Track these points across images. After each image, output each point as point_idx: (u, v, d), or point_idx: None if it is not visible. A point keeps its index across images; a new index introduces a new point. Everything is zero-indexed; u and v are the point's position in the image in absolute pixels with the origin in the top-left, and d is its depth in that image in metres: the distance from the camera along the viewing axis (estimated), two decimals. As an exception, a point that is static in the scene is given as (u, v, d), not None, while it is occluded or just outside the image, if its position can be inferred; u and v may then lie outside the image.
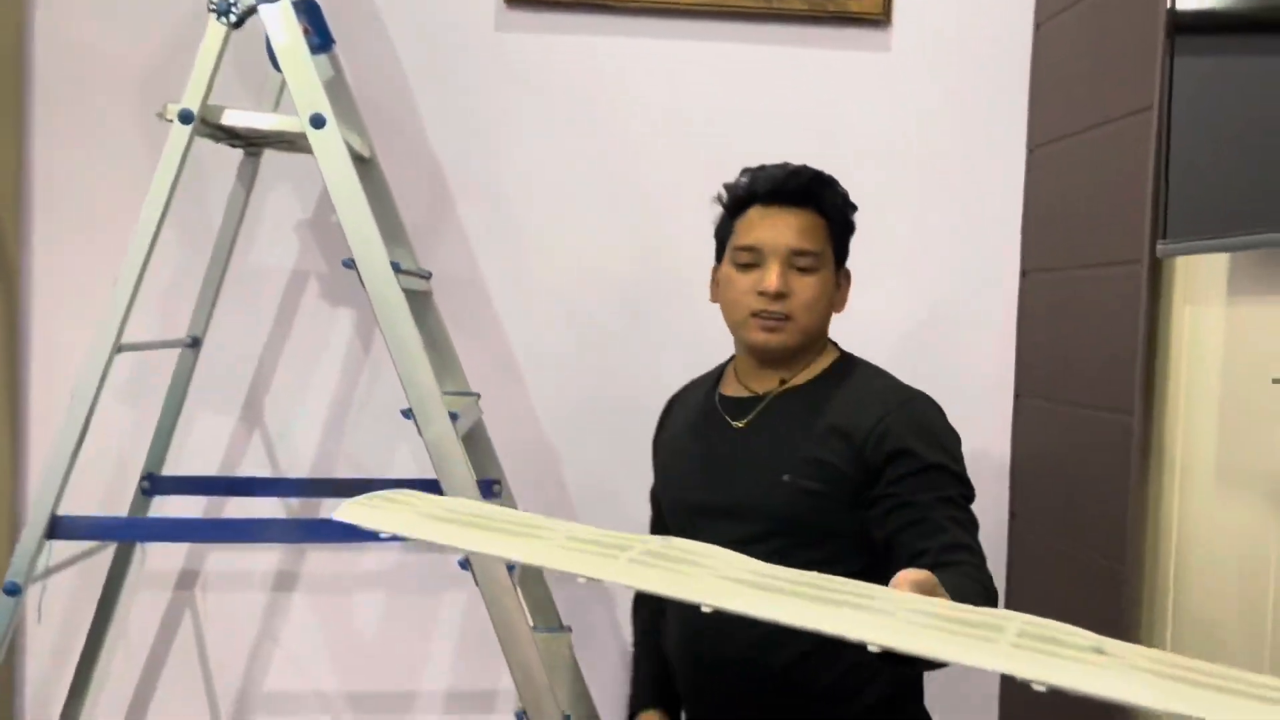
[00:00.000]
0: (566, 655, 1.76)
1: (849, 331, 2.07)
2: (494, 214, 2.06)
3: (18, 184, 2.00)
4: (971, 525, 1.25)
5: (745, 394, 1.42)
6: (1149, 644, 1.62)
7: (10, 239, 1.99)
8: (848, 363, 1.43)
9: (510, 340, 2.07)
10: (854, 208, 1.44)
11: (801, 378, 1.41)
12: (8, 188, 1.98)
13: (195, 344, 1.90)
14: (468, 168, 2.05)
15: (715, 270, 1.47)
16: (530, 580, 1.91)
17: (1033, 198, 2.02)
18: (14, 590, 1.53)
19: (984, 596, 1.14)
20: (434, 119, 2.04)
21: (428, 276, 1.94)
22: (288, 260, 2.05)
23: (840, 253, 1.44)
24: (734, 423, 1.41)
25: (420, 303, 1.85)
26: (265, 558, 2.07)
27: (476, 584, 1.57)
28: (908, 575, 0.92)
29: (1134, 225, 1.60)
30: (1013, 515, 2.04)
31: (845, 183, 1.45)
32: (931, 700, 1.48)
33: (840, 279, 1.45)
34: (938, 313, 2.06)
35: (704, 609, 0.74)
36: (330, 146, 1.56)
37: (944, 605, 0.78)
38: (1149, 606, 1.63)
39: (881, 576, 1.27)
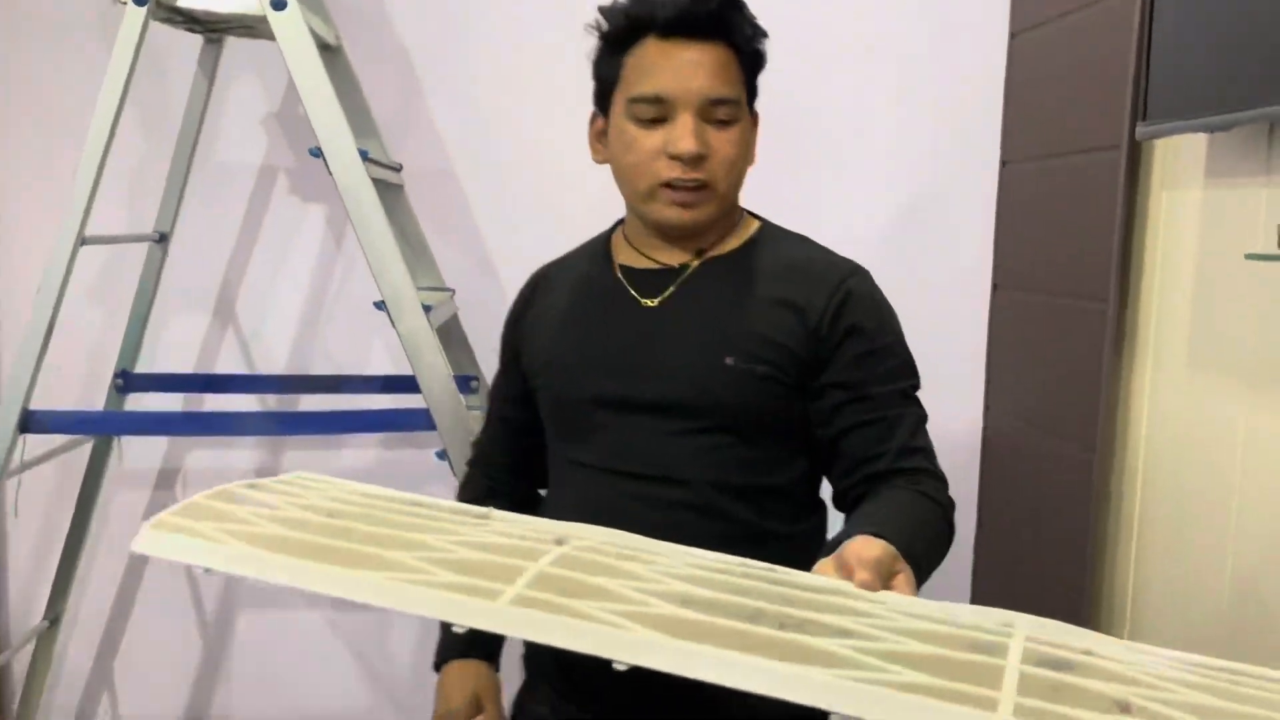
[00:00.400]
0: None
1: (825, 221, 2.06)
2: (466, 107, 2.01)
3: (-27, 76, 1.94)
4: (923, 421, 1.13)
5: (654, 266, 1.17)
6: (1116, 528, 1.65)
7: (-31, 133, 1.95)
8: (770, 229, 1.21)
9: (485, 237, 2.04)
10: (764, 34, 1.18)
11: (723, 247, 1.17)
12: (-37, 80, 1.92)
13: (163, 239, 1.88)
14: (438, 58, 2.00)
15: (597, 122, 1.19)
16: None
17: (1014, 86, 1.99)
18: (-11, 484, 1.54)
19: (942, 518, 1.05)
20: (403, 7, 1.98)
21: (398, 169, 1.91)
22: (255, 154, 2.01)
23: (751, 93, 1.17)
24: (644, 300, 1.15)
25: (391, 195, 1.82)
26: (244, 456, 2.08)
27: (455, 476, 1.57)
28: (859, 553, 0.80)
29: (1114, 110, 1.57)
30: (987, 408, 2.06)
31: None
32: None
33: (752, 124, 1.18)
34: (916, 204, 2.04)
35: (616, 666, 0.57)
36: (292, 30, 1.51)
37: (921, 613, 0.66)
38: (1118, 494, 1.65)
39: (817, 480, 1.18)
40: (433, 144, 2.01)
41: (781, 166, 2.01)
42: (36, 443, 1.78)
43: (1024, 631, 0.63)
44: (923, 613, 0.67)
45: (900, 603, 0.71)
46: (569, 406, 1.17)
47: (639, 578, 0.66)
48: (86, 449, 1.95)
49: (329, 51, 1.76)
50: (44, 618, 1.96)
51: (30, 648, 1.96)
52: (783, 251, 1.17)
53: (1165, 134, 1.40)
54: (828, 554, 0.86)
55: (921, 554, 0.89)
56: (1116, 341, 1.62)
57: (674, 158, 1.09)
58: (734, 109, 1.12)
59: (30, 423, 1.55)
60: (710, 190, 1.11)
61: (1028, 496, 1.88)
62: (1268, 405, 1.31)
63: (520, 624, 0.59)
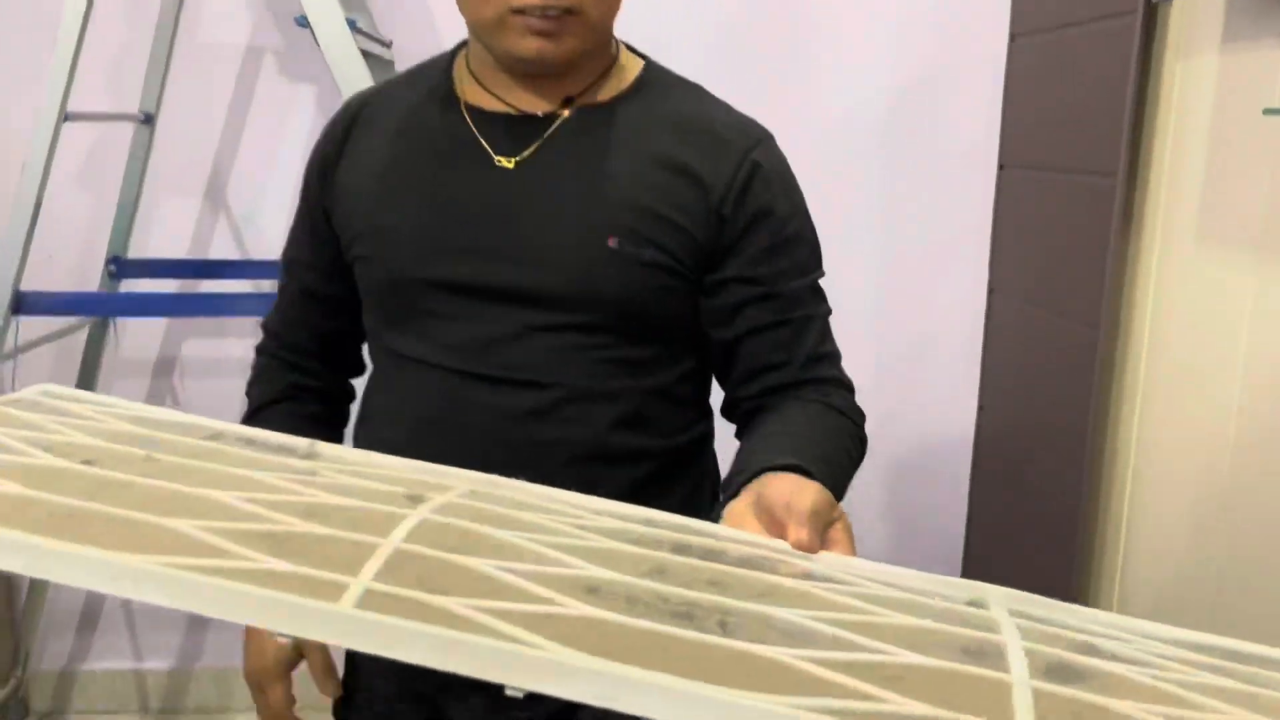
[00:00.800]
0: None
1: (826, 96, 2.01)
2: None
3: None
4: (829, 317, 0.97)
5: (510, 112, 0.91)
6: (1119, 404, 1.65)
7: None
8: (657, 73, 0.96)
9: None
10: None
11: (599, 93, 0.92)
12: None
13: (149, 120, 1.83)
14: (427, -71, 1.92)
15: None
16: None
17: (1025, -45, 1.92)
18: (-16, 366, 1.53)
19: (855, 436, 0.91)
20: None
21: (388, 44, 1.85)
22: (241, 33, 1.95)
23: None
24: (499, 158, 0.90)
25: (382, 71, 1.77)
26: (242, 344, 2.06)
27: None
28: (790, 502, 0.66)
29: (1130, -28, 1.52)
30: (991, 290, 2.04)
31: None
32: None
33: None
34: (922, 80, 1.99)
35: (510, 692, 0.44)
36: (273, -109, 1.45)
37: (881, 594, 0.55)
38: (1121, 370, 1.64)
39: (706, 382, 1.00)
40: (424, 21, 1.94)
41: (780, 39, 1.96)
42: (31, 330, 1.77)
43: (1006, 617, 0.53)
44: (883, 593, 0.55)
45: (846, 568, 0.60)
46: (400, 288, 0.92)
47: (525, 555, 0.51)
48: (82, 337, 1.94)
49: (313, -81, 1.68)
50: (49, 505, 1.97)
51: (37, 534, 1.98)
52: (675, 104, 0.93)
53: (1183, -8, 1.35)
54: (734, 487, 0.74)
55: (842, 484, 0.80)
56: (1124, 216, 1.59)
57: None
58: None
59: (22, 304, 1.54)
60: (578, 18, 0.85)
61: (1031, 375, 1.88)
62: (1277, 276, 1.29)
63: (375, 635, 0.42)
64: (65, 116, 1.50)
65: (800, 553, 0.63)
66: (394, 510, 0.53)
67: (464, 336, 0.90)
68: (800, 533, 0.64)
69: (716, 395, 0.99)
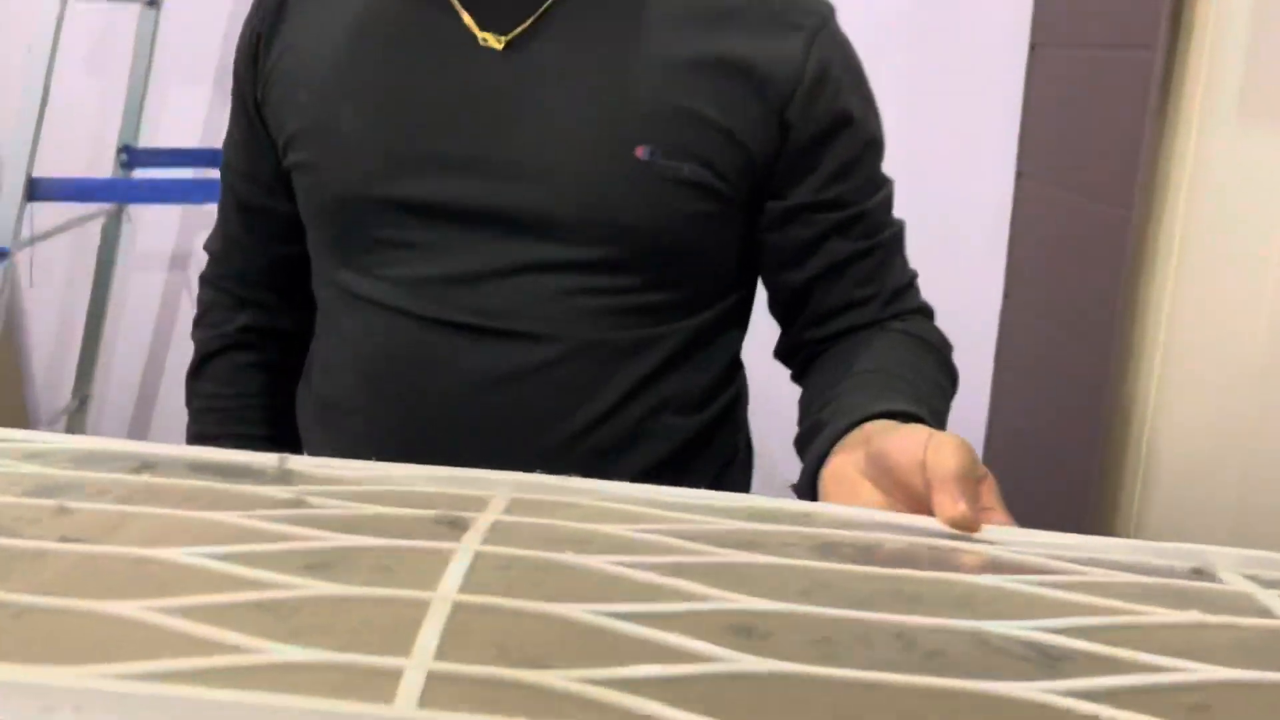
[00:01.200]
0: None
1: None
2: None
3: None
4: (903, 231, 0.80)
5: None
6: (1148, 290, 1.62)
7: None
8: None
9: None
10: None
11: None
12: None
13: (154, 3, 1.79)
14: None
15: None
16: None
17: None
18: (2, 253, 1.52)
19: (947, 371, 0.78)
20: None
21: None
22: (245, -89, 1.88)
23: None
24: (485, 35, 0.68)
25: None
26: (257, 236, 2.05)
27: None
28: (933, 462, 0.49)
29: None
30: (1019, 175, 2.00)
31: None
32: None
33: None
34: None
35: None
36: None
37: (1104, 580, 0.40)
38: (1153, 251, 1.62)
39: (741, 326, 0.82)
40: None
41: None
42: (46, 222, 1.75)
43: (1259, 589, 0.41)
44: (1097, 579, 0.41)
45: (1022, 546, 0.45)
46: (350, 208, 0.71)
47: (631, 588, 0.36)
48: (97, 229, 1.92)
49: None
50: (73, 398, 1.98)
51: (60, 428, 1.99)
52: None
53: None
54: (825, 442, 0.60)
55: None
56: (1162, 93, 1.54)
57: None
58: None
59: (36, 190, 1.52)
60: None
61: (1059, 260, 1.85)
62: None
63: None
64: (69, -6, 1.46)
65: (961, 532, 0.47)
66: (431, 545, 0.37)
67: (432, 272, 0.70)
68: (959, 506, 0.47)
69: (750, 341, 0.83)
